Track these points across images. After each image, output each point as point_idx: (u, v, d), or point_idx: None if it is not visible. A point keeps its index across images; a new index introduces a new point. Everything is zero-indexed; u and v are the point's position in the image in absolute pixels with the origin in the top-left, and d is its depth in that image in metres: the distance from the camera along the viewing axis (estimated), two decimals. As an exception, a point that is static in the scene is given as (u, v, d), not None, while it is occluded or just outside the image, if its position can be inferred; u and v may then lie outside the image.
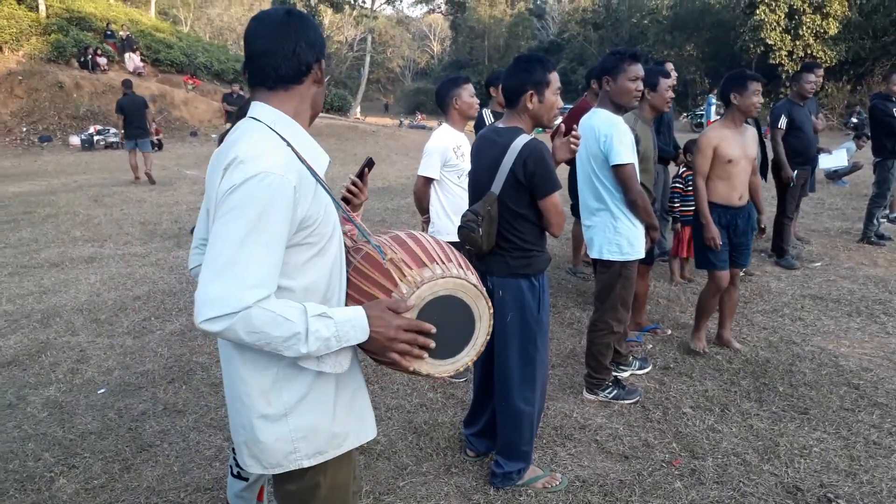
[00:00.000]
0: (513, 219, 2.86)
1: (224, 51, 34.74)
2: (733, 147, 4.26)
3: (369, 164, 2.03)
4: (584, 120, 3.81)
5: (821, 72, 6.70)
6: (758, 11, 29.21)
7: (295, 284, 1.59)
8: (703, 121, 24.86)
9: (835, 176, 11.65)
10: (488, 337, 1.82)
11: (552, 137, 2.96)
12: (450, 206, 4.12)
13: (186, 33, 36.82)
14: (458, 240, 3.00)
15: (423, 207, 4.27)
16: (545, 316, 3.00)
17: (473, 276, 1.79)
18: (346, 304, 1.74)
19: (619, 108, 3.74)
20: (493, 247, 2.89)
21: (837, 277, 6.29)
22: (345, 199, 2.10)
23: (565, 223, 3.04)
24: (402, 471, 3.24)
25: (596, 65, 4.11)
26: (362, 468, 3.24)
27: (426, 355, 1.68)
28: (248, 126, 1.62)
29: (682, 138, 6.59)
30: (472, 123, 4.55)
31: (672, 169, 6.53)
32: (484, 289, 1.80)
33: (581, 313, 5.45)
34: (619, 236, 3.74)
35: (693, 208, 4.52)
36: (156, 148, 18.72)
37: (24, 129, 20.64)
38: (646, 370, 4.33)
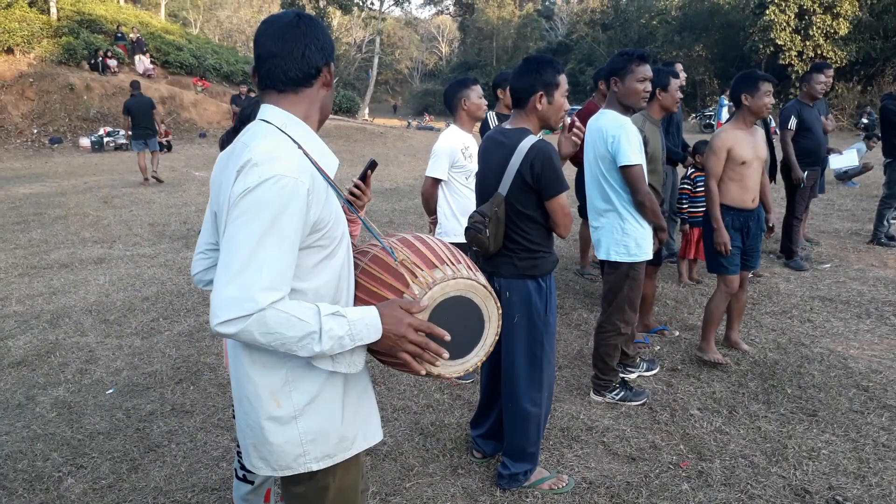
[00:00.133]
0: (520, 220, 2.86)
1: (233, 53, 34.83)
2: (746, 148, 4.20)
3: (372, 165, 2.03)
4: (591, 121, 3.82)
5: (831, 72, 6.66)
6: (767, 12, 29.08)
7: (306, 287, 1.59)
8: (712, 122, 24.82)
9: (845, 177, 11.58)
10: (497, 337, 1.83)
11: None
12: (457, 207, 4.12)
13: (196, 35, 36.95)
14: (465, 241, 3.00)
15: (430, 208, 4.27)
16: (552, 317, 3.00)
17: (483, 277, 1.80)
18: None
19: (626, 109, 3.73)
20: (500, 248, 2.89)
21: (847, 279, 6.26)
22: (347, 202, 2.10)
23: (572, 224, 3.04)
24: (409, 472, 3.24)
25: (604, 66, 4.11)
26: (369, 469, 3.24)
27: (435, 362, 1.68)
28: (259, 128, 1.62)
29: (690, 139, 6.57)
30: (478, 126, 4.55)
31: (680, 170, 6.51)
32: (492, 289, 1.80)
33: (588, 315, 5.44)
34: (627, 237, 3.73)
35: (702, 209, 4.48)
36: (165, 150, 18.84)
37: (35, 131, 20.78)
38: (653, 372, 4.32)
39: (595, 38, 45.74)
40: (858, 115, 24.60)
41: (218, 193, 1.69)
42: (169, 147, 19.71)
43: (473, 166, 3.98)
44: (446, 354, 1.66)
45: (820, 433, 3.55)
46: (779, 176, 6.69)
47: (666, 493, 3.04)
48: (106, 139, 20.36)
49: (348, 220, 1.87)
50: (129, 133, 13.34)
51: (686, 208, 6.17)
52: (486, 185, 2.96)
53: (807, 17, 28.53)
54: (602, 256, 3.86)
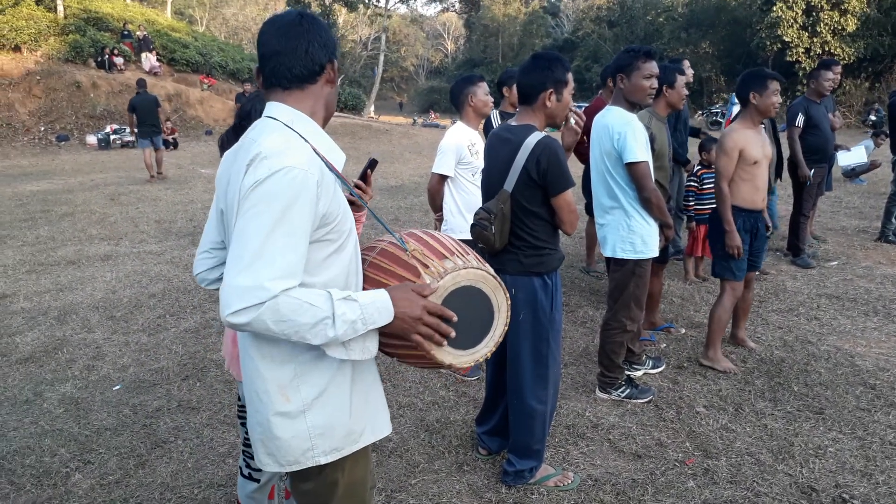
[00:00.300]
0: (525, 216, 2.86)
1: (239, 50, 34.91)
2: (756, 148, 4.11)
3: (372, 164, 2.04)
4: (597, 118, 3.81)
5: (838, 69, 6.63)
6: (775, 8, 28.91)
7: (316, 281, 1.59)
8: (719, 119, 24.72)
9: (852, 174, 11.53)
10: (506, 328, 1.84)
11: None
12: (463, 204, 4.12)
13: (202, 33, 37.02)
14: (471, 238, 3.00)
15: (436, 205, 4.27)
16: (558, 314, 3.00)
17: (491, 269, 1.82)
18: None
19: (633, 106, 3.72)
20: (505, 245, 2.89)
21: (854, 276, 6.23)
22: (350, 201, 2.10)
23: (578, 221, 3.03)
24: (414, 468, 3.25)
25: (610, 63, 4.09)
26: (374, 465, 3.25)
27: (446, 343, 1.69)
28: (266, 125, 1.64)
29: (697, 138, 6.55)
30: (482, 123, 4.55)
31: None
32: (501, 280, 1.81)
33: (594, 312, 5.44)
34: (633, 234, 3.72)
35: (709, 206, 4.44)
36: (171, 147, 18.91)
37: (42, 129, 20.85)
38: (659, 369, 4.31)
39: (601, 34, 45.60)
40: (866, 112, 24.47)
41: (225, 190, 1.70)
42: (175, 144, 19.77)
43: (480, 163, 3.98)
44: (453, 333, 1.67)
45: (827, 431, 3.54)
46: (786, 173, 6.66)
47: (672, 490, 3.04)
48: (112, 137, 20.40)
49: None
50: (135, 130, 13.42)
51: (693, 205, 6.15)
52: (491, 181, 2.96)
53: (814, 14, 28.35)
54: (608, 254, 3.85)
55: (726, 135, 4.21)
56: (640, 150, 3.56)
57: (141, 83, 13.75)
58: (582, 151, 5.25)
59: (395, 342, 1.69)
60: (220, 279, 1.87)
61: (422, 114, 44.21)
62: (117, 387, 4.19)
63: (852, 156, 10.27)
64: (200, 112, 24.35)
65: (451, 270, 1.68)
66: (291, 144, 1.56)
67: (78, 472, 3.25)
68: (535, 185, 2.79)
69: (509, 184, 2.83)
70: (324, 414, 1.67)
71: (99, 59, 23.27)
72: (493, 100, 4.29)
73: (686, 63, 5.67)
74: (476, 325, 1.77)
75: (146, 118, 13.12)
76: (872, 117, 22.41)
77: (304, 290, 1.50)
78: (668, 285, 6.00)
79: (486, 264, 1.82)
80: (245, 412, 2.16)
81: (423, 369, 4.34)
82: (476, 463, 3.30)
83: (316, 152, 1.60)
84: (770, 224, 4.43)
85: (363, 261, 1.81)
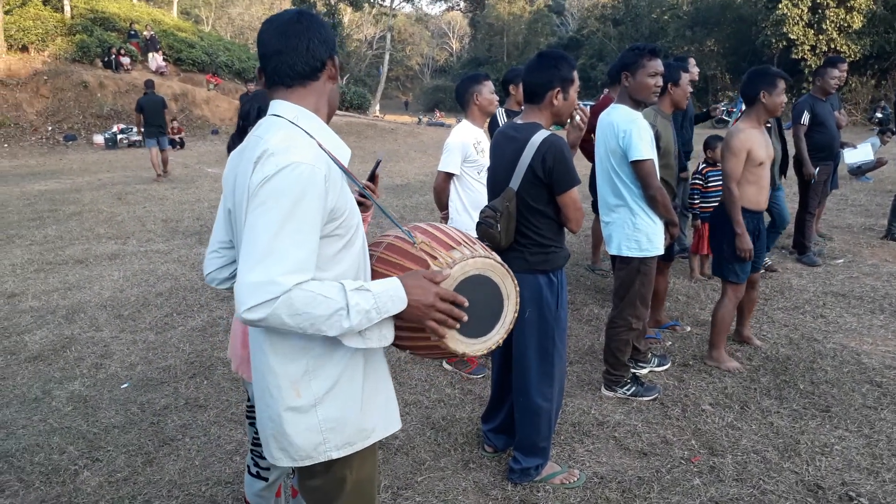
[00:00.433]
0: (531, 215, 2.87)
1: (245, 49, 34.93)
2: (761, 148, 4.05)
3: (378, 163, 2.06)
4: (603, 116, 3.81)
5: (845, 66, 6.59)
6: (780, 6, 28.78)
7: (327, 276, 1.61)
8: (726, 118, 24.63)
9: (858, 172, 11.48)
10: (516, 315, 1.85)
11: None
12: (469, 202, 4.13)
13: (208, 32, 37.08)
14: (476, 236, 3.01)
15: (442, 203, 4.28)
16: (563, 312, 3.00)
17: (498, 256, 1.84)
18: None
19: (637, 104, 3.72)
20: (511, 243, 2.90)
21: (860, 274, 6.21)
22: (358, 202, 2.12)
23: (584, 219, 3.04)
24: (420, 466, 3.26)
25: (615, 61, 4.09)
26: (381, 463, 3.26)
27: (458, 332, 1.70)
28: (272, 122, 1.65)
29: (702, 134, 6.54)
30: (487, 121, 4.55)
31: (692, 164, 6.47)
32: (509, 267, 1.83)
33: (600, 310, 5.44)
34: (638, 233, 3.72)
35: (713, 204, 4.42)
36: (178, 146, 18.97)
37: (50, 128, 20.93)
38: (664, 367, 4.31)
39: (606, 33, 45.47)
40: (872, 110, 24.36)
41: (233, 189, 1.71)
42: (182, 144, 19.83)
43: (485, 161, 3.98)
44: (465, 317, 1.68)
45: (833, 429, 3.53)
46: (791, 171, 6.64)
47: (677, 488, 3.05)
48: (119, 136, 20.48)
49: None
50: (142, 130, 13.52)
51: (698, 203, 6.14)
52: (497, 179, 2.97)
53: (820, 11, 28.22)
54: (613, 251, 3.85)
55: (733, 135, 4.11)
56: (645, 148, 3.56)
57: (149, 84, 13.84)
58: (589, 149, 5.24)
59: (407, 334, 1.70)
60: (230, 278, 1.88)
61: (427, 112, 44.18)
62: (125, 385, 4.21)
63: (858, 153, 10.23)
64: (207, 112, 24.41)
65: (459, 260, 1.70)
66: (297, 141, 1.57)
67: (86, 470, 3.28)
68: (541, 184, 2.80)
69: (515, 182, 2.83)
70: (335, 407, 1.68)
71: (106, 59, 23.35)
72: (498, 98, 4.30)
73: (691, 61, 5.66)
74: (486, 312, 1.79)
75: (153, 119, 13.24)
76: (878, 115, 22.30)
77: (316, 282, 1.51)
78: (674, 283, 6.00)
79: (494, 252, 1.84)
80: (254, 412, 2.17)
81: (430, 365, 4.35)
82: (482, 460, 3.31)
83: (322, 148, 1.61)
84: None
85: (371, 256, 1.82)
